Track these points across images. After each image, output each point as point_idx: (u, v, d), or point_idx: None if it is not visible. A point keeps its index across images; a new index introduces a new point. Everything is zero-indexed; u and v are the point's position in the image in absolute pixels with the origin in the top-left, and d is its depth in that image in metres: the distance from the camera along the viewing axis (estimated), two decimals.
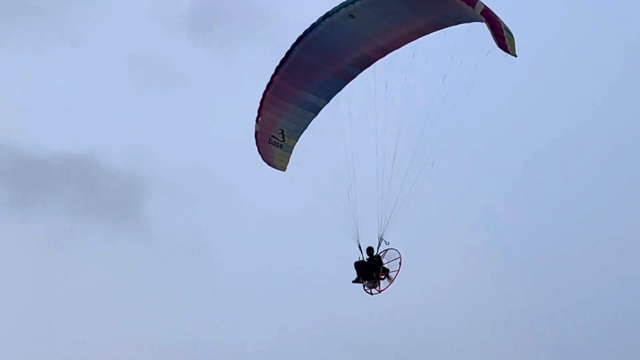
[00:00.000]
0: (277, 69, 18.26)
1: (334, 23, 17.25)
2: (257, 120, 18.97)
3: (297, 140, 19.49)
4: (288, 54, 18.03)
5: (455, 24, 16.89)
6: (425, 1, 16.46)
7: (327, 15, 17.23)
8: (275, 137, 19.21)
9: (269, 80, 18.50)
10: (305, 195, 19.38)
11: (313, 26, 17.48)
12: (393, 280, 17.64)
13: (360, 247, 18.18)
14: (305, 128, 19.40)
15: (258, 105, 18.79)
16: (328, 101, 19.10)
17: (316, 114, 19.25)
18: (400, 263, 17.73)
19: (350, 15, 17.01)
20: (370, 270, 17.81)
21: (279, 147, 19.30)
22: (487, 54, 15.52)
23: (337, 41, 17.72)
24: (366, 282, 17.90)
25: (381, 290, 17.89)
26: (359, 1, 16.65)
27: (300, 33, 17.75)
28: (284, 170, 19.56)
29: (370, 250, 18.18)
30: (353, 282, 18.10)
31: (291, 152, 19.51)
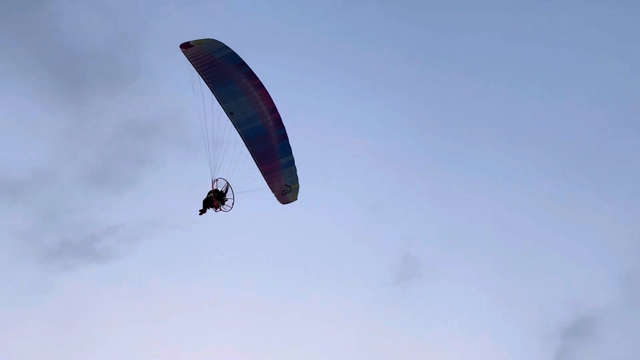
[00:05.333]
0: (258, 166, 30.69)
1: (237, 123, 29.83)
2: (272, 190, 31.04)
3: (298, 182, 30.81)
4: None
5: None
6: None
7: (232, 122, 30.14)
8: (286, 189, 30.74)
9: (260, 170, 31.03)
10: None
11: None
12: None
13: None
14: (296, 173, 30.83)
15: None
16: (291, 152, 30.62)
17: (294, 164, 30.81)
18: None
19: (230, 113, 29.63)
20: (211, 200, 28.88)
21: (290, 193, 30.89)
22: None
23: (250, 128, 30.10)
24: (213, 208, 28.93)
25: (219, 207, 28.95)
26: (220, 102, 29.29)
27: None
28: (296, 200, 30.79)
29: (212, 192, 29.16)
30: (200, 213, 28.99)
31: (298, 189, 30.81)
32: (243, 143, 29.91)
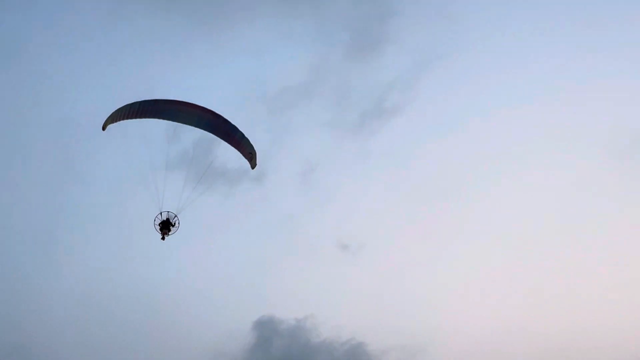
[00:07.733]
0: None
1: (196, 125, 38.76)
2: (244, 157, 40.07)
3: (254, 149, 39.70)
4: None
5: None
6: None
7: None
8: (249, 156, 39.82)
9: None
10: None
11: None
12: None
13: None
14: (250, 143, 40.02)
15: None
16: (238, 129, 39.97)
17: (245, 136, 39.96)
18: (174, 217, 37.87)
19: (185, 123, 38.46)
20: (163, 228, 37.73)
21: (253, 158, 40.02)
22: None
23: (205, 124, 39.19)
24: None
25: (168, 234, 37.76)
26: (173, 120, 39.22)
27: None
28: (256, 165, 39.52)
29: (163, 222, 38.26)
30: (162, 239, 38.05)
31: (256, 155, 39.49)
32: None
